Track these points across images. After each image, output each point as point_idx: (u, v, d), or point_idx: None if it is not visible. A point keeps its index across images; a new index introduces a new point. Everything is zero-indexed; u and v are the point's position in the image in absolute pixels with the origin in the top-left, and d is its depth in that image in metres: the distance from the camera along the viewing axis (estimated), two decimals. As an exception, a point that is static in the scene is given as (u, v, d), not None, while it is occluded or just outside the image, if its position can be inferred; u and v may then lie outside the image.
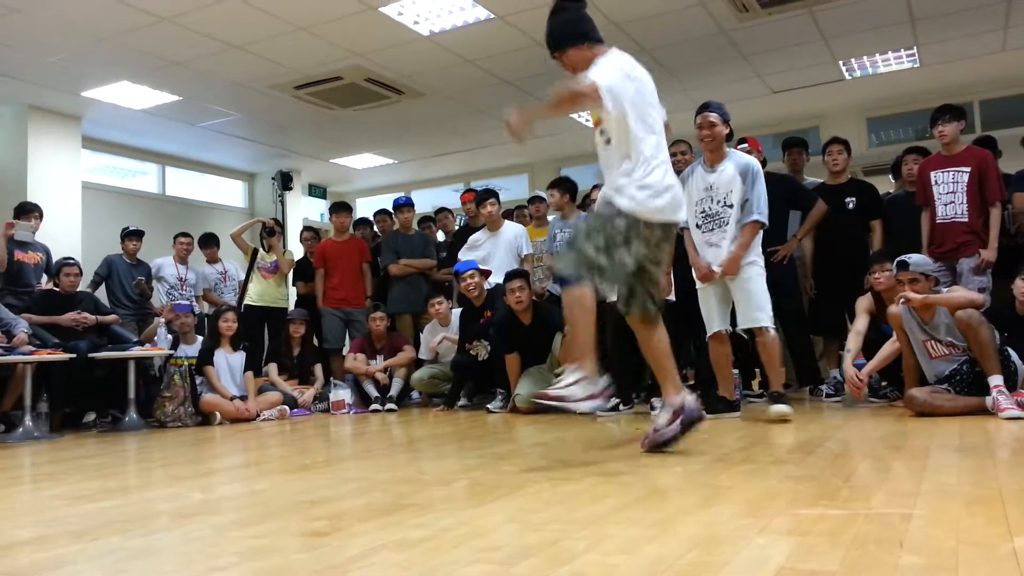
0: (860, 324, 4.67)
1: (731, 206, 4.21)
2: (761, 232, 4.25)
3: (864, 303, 4.75)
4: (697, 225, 4.37)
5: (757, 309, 4.14)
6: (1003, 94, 8.10)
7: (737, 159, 4.29)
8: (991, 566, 1.43)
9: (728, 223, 4.21)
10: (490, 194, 6.20)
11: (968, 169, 4.76)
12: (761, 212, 4.17)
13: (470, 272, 5.72)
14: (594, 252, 2.84)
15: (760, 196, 4.19)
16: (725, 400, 4.40)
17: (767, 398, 4.35)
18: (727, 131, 4.27)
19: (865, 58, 7.35)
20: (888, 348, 4.50)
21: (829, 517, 1.83)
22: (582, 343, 2.91)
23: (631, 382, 5.00)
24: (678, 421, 3.00)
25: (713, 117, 4.21)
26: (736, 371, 5.59)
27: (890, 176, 6.30)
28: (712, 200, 4.27)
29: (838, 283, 5.26)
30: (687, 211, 4.33)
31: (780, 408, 4.02)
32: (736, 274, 4.15)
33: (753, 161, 4.31)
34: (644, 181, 2.92)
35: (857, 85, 8.00)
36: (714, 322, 4.30)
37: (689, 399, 3.04)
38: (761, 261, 4.23)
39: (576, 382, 2.82)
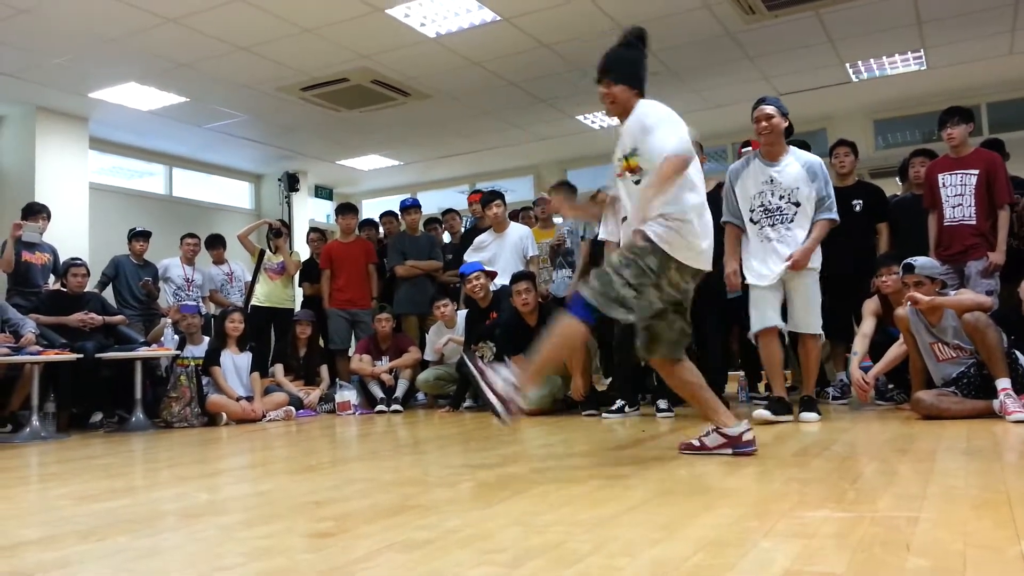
0: (867, 327, 4.66)
1: (797, 204, 4.09)
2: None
3: (871, 306, 4.73)
4: (752, 220, 4.19)
5: (812, 314, 4.09)
6: (1011, 97, 8.08)
7: (801, 156, 4.17)
8: (999, 569, 1.43)
9: (793, 221, 4.09)
10: (495, 196, 6.20)
11: (976, 172, 4.75)
12: (834, 211, 4.10)
13: (475, 274, 5.72)
14: (623, 287, 2.76)
15: (831, 194, 4.12)
16: (782, 401, 4.13)
17: (800, 403, 4.23)
18: (786, 124, 4.14)
19: (872, 60, 7.34)
20: (895, 351, 4.48)
21: (835, 520, 1.82)
22: (541, 365, 2.81)
23: (636, 384, 4.99)
24: (730, 449, 2.92)
25: (770, 109, 4.09)
26: (741, 373, 5.59)
27: (896, 179, 6.27)
28: (773, 195, 4.13)
29: (844, 285, 5.24)
30: (743, 206, 4.24)
31: (810, 416, 4.03)
32: (803, 268, 4.05)
33: (818, 159, 4.20)
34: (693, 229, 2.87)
35: (864, 87, 7.98)
36: (769, 317, 4.10)
37: (748, 435, 2.93)
38: (818, 269, 4.14)
39: (507, 379, 2.72)
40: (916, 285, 4.16)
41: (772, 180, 4.14)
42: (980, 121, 7.86)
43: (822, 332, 4.13)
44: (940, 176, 4.87)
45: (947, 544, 1.58)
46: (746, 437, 2.92)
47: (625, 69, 3.06)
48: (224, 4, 5.62)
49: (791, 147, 4.22)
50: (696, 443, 3.01)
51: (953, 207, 4.80)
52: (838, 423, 4.03)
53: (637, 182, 2.96)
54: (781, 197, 4.12)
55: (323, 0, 5.65)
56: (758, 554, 1.56)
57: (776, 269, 4.07)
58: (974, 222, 4.73)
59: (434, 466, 3.13)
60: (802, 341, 4.19)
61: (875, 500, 2.04)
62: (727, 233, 4.32)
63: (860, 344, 4.61)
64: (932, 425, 3.72)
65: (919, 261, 4.26)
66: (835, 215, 4.11)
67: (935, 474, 2.39)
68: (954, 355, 4.15)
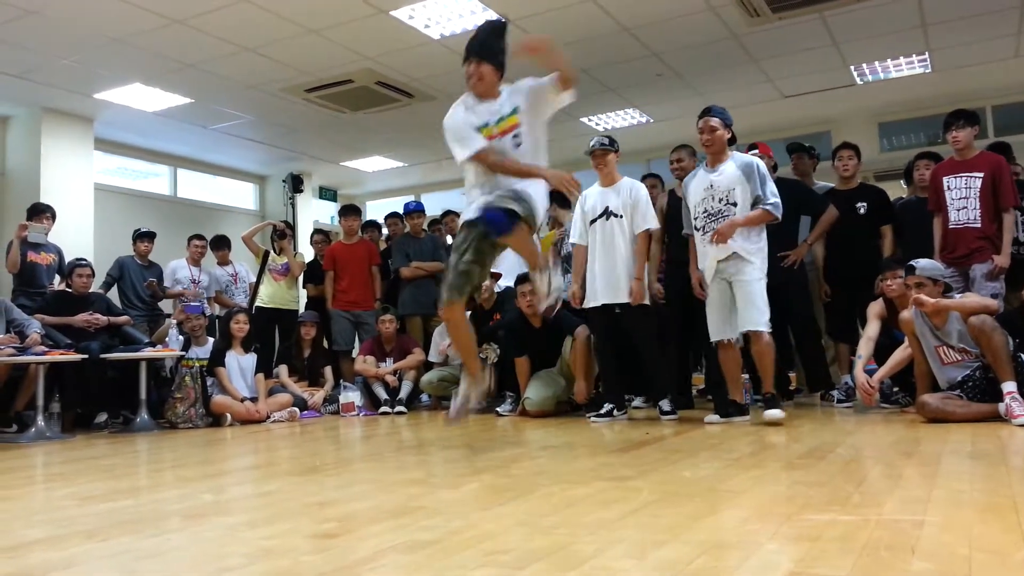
0: (871, 330, 4.65)
1: (734, 204, 4.23)
2: (764, 239, 4.26)
3: (876, 308, 4.73)
4: (697, 228, 4.40)
5: (753, 311, 4.16)
6: (1016, 100, 8.05)
7: (739, 158, 4.32)
8: (1004, 574, 1.42)
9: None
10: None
11: (981, 175, 4.74)
12: (775, 205, 4.19)
13: (480, 276, 5.71)
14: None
15: (772, 191, 4.21)
16: (735, 404, 4.40)
17: (761, 402, 4.39)
18: (728, 135, 4.32)
19: (877, 63, 7.32)
20: (900, 354, 4.48)
21: (840, 523, 1.82)
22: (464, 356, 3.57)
23: (622, 386, 4.97)
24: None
25: (714, 121, 4.29)
26: (746, 375, 5.58)
27: (901, 182, 6.27)
28: (713, 199, 4.30)
29: (849, 288, 5.24)
30: (688, 217, 4.46)
31: (773, 413, 4.09)
32: (727, 241, 4.16)
33: (756, 160, 4.34)
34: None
35: (869, 90, 7.97)
36: (719, 330, 4.33)
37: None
38: (763, 267, 4.23)
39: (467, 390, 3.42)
40: (917, 286, 4.15)
41: (712, 185, 4.32)
42: (985, 124, 7.84)
43: (766, 329, 4.17)
44: (945, 179, 4.87)
45: (952, 548, 1.58)
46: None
47: (501, 54, 3.61)
48: (229, 5, 5.63)
49: (734, 153, 4.39)
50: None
51: (958, 210, 4.79)
52: (843, 426, 4.03)
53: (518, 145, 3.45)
54: (720, 200, 4.28)
55: (328, 1, 5.66)
56: (762, 557, 1.56)
57: (709, 258, 4.26)
58: (979, 225, 4.72)
59: (438, 467, 3.13)
60: (751, 339, 4.24)
61: (880, 503, 2.04)
62: (689, 244, 4.54)
63: (865, 347, 4.61)
64: (937, 428, 3.71)
65: (921, 263, 4.26)
66: (774, 209, 4.19)
67: (940, 477, 2.39)
68: (959, 358, 4.14)
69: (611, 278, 4.70)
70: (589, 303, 4.81)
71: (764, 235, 4.30)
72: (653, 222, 4.71)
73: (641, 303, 4.64)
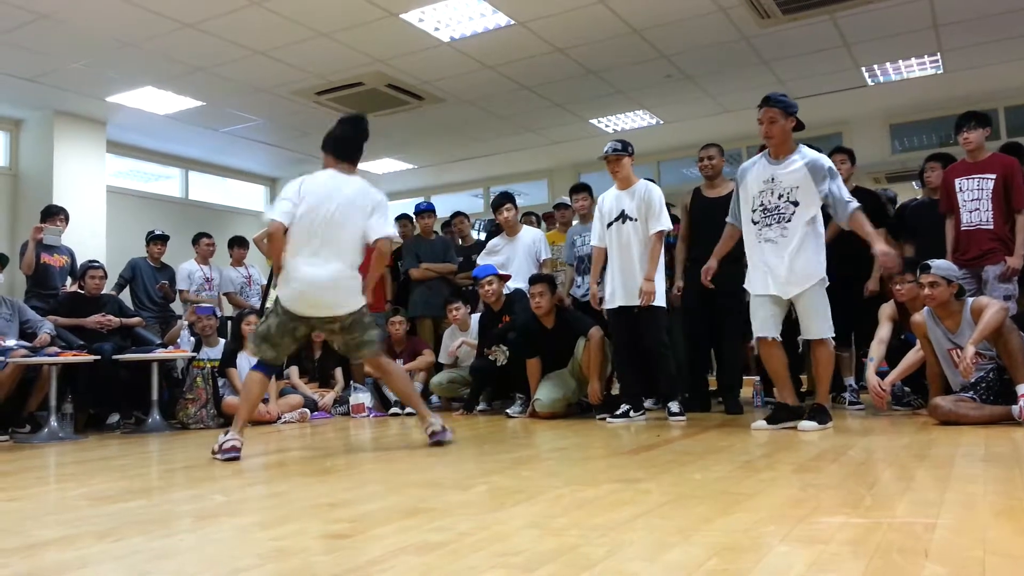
0: (883, 332, 4.63)
1: (795, 203, 3.94)
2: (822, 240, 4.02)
3: (887, 310, 4.70)
4: (753, 221, 4.07)
5: (817, 320, 3.95)
6: (1029, 101, 8.01)
7: (807, 154, 4.01)
8: (1018, 577, 1.41)
9: (790, 221, 3.94)
10: (506, 199, 6.18)
11: (994, 176, 4.71)
12: (852, 204, 3.89)
13: (488, 278, 5.72)
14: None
15: (844, 194, 3.91)
16: (786, 407, 4.05)
17: (810, 410, 4.08)
18: (792, 124, 4.00)
19: (888, 64, 7.29)
20: (911, 358, 4.45)
21: (852, 526, 1.81)
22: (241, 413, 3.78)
23: (642, 388, 4.96)
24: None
25: (772, 113, 3.98)
26: (757, 378, 5.55)
27: (914, 183, 6.23)
28: (772, 193, 4.00)
29: (841, 290, 5.19)
30: (745, 207, 4.16)
31: (808, 424, 3.88)
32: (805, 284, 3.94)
33: (825, 158, 4.04)
34: None
35: (880, 91, 7.94)
36: (764, 325, 4.04)
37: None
38: (824, 272, 3.99)
39: None
40: (931, 285, 4.12)
41: (773, 179, 4.02)
42: (998, 125, 7.80)
43: (832, 338, 4.00)
44: (957, 181, 4.84)
45: (966, 551, 1.57)
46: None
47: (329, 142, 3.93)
48: (240, 9, 5.66)
49: (801, 146, 4.08)
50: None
51: (970, 212, 4.77)
52: (855, 428, 4.01)
53: None
54: (779, 195, 3.98)
55: (338, 4, 5.68)
56: (774, 559, 1.55)
57: (772, 286, 3.98)
58: (991, 227, 4.69)
59: (448, 469, 3.14)
60: (811, 347, 4.12)
61: (892, 506, 2.03)
62: (724, 232, 4.35)
63: (876, 350, 4.58)
64: (949, 431, 3.69)
65: (936, 262, 4.21)
66: (854, 206, 3.91)
67: (953, 480, 2.37)
68: (973, 361, 4.10)
69: (628, 281, 4.69)
70: (607, 305, 4.81)
71: (822, 237, 4.04)
72: (666, 223, 4.68)
73: (653, 304, 4.63)
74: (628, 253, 4.71)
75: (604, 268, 4.90)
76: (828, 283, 4.00)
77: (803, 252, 3.93)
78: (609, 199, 4.88)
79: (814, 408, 4.03)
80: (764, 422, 4.04)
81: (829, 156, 5.40)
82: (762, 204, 4.04)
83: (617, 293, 4.74)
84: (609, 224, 4.82)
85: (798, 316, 4.06)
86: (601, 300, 4.88)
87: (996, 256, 4.65)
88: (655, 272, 4.64)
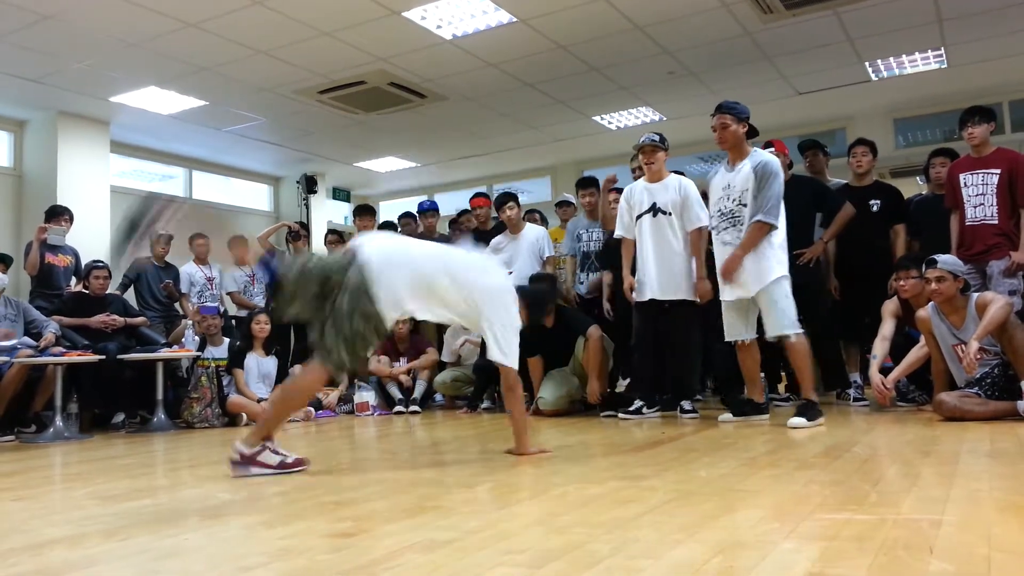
0: (887, 329, 4.61)
1: (746, 205, 4.16)
2: (784, 237, 4.18)
3: (891, 307, 4.69)
4: (713, 227, 4.38)
5: (781, 318, 4.08)
6: (1033, 95, 7.98)
7: (755, 157, 4.22)
8: (1024, 573, 1.41)
9: (744, 223, 4.17)
10: (509, 197, 6.17)
11: (998, 171, 4.70)
12: (767, 213, 4.07)
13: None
14: None
15: (769, 197, 4.09)
16: (752, 403, 4.38)
17: (796, 406, 4.25)
18: (744, 129, 4.22)
19: (892, 59, 7.27)
20: (915, 354, 4.44)
21: (857, 522, 1.81)
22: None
23: (654, 384, 4.97)
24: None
25: (726, 119, 4.20)
26: (761, 374, 5.55)
27: (918, 179, 6.22)
28: (728, 199, 4.25)
29: (860, 286, 5.20)
30: (712, 214, 4.42)
31: (797, 421, 3.92)
32: (733, 279, 4.17)
33: (771, 159, 4.23)
34: None
35: (884, 86, 7.91)
36: (736, 331, 4.31)
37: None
38: (784, 270, 4.14)
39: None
40: (937, 280, 4.12)
41: (729, 185, 4.26)
42: (1002, 120, 7.77)
43: (795, 331, 4.09)
44: (962, 176, 4.83)
45: (971, 548, 1.57)
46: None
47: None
48: (243, 8, 5.67)
49: (755, 150, 4.29)
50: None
51: (975, 207, 4.75)
52: (859, 424, 4.00)
53: None
54: (733, 200, 4.22)
55: (340, 3, 5.68)
56: (779, 556, 1.55)
57: (731, 292, 4.23)
58: (996, 222, 4.68)
59: (453, 467, 3.14)
60: (785, 345, 4.19)
61: (898, 502, 2.03)
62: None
63: (880, 347, 4.56)
64: (954, 427, 3.69)
65: (942, 257, 4.21)
66: (764, 218, 4.07)
67: (958, 476, 2.37)
68: (977, 356, 4.10)
69: (663, 275, 4.66)
70: (637, 297, 4.78)
71: (777, 233, 4.17)
72: (706, 219, 4.65)
73: (687, 300, 4.65)
74: (665, 248, 4.68)
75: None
76: (790, 279, 4.15)
77: (756, 251, 4.12)
78: (638, 190, 4.83)
79: (802, 404, 4.10)
80: (730, 415, 4.36)
81: (850, 149, 5.46)
82: (719, 210, 4.30)
83: (649, 286, 4.71)
84: (638, 216, 4.79)
85: (762, 316, 4.19)
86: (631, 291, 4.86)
87: (1001, 251, 4.64)
88: (703, 270, 4.64)
